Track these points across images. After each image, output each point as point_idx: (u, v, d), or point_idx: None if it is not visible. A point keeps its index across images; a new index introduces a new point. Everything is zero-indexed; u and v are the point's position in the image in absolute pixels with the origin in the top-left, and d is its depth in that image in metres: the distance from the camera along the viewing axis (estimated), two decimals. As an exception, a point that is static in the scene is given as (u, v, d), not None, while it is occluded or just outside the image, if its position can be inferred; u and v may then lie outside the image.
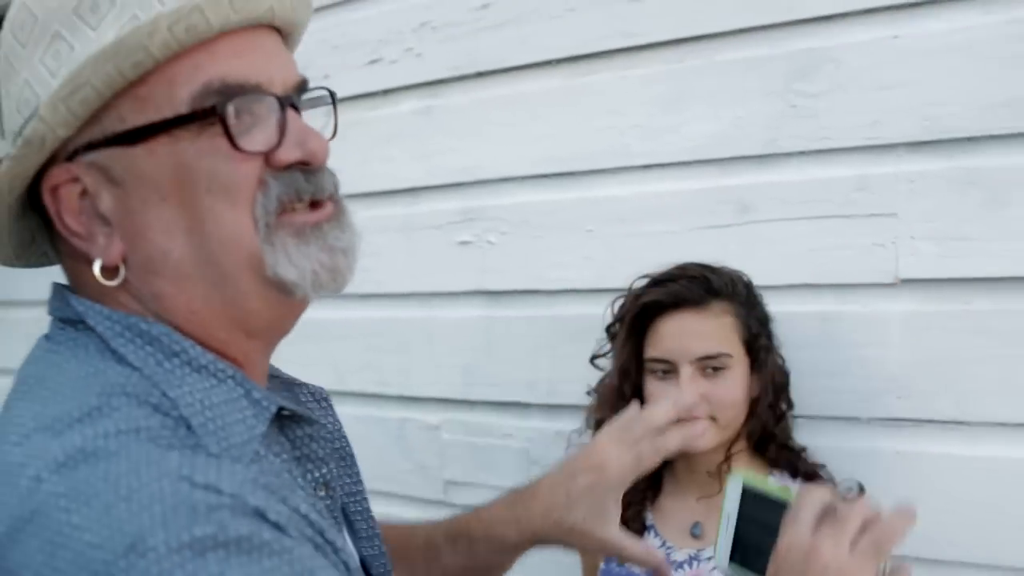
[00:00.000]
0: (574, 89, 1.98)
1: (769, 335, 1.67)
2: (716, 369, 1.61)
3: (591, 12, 1.93)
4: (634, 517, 1.71)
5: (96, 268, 0.86)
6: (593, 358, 1.81)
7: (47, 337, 0.92)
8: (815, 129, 1.73)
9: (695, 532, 1.68)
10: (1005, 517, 1.62)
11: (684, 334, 1.62)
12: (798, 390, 1.72)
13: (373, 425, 2.32)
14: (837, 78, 1.70)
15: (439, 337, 2.21)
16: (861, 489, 1.67)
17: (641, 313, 1.66)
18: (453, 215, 2.15)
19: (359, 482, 1.07)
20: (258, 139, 0.86)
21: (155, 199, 0.85)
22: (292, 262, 0.88)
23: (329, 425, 1.02)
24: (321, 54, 2.31)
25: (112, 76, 0.82)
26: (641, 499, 1.73)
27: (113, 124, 0.84)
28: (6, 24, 0.86)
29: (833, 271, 1.74)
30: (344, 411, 2.33)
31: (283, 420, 0.93)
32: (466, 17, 2.08)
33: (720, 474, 1.66)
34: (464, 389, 2.17)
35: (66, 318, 0.90)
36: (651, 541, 1.70)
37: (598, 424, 1.74)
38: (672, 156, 1.87)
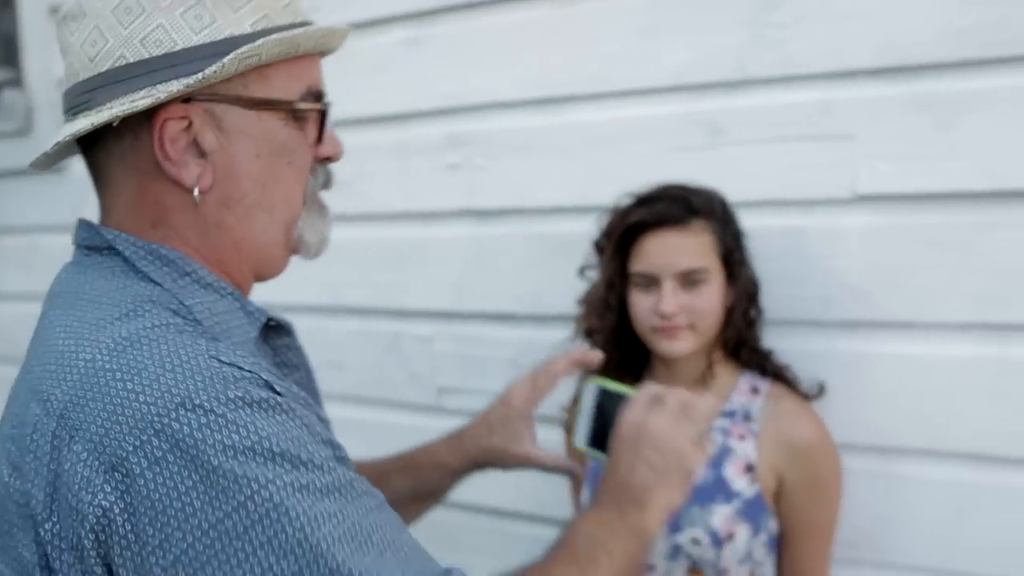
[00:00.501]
0: (557, 19, 2.07)
1: (742, 249, 1.79)
2: (695, 282, 1.73)
3: (570, -54, 2.02)
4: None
5: (195, 190, 1.06)
6: (581, 270, 1.93)
7: (73, 263, 1.12)
8: (781, 57, 1.84)
9: (674, 428, 1.84)
10: (950, 407, 1.78)
11: (666, 250, 1.73)
12: (766, 297, 1.84)
13: (369, 338, 2.46)
14: (802, 9, 1.81)
15: (431, 254, 2.33)
16: (822, 387, 1.84)
17: (627, 231, 1.77)
18: (442, 139, 2.26)
19: (318, 395, 1.36)
20: (317, 136, 1.16)
21: (251, 153, 1.08)
22: (314, 228, 1.18)
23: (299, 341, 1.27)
24: (311, -15, 2.40)
25: (271, 56, 1.06)
26: (625, 402, 1.88)
27: (237, 88, 1.06)
28: None
29: (797, 188, 1.86)
30: (342, 325, 2.51)
31: (268, 331, 1.19)
32: (452, -50, 2.17)
33: (704, 380, 1.81)
34: (455, 303, 2.30)
35: (93, 245, 1.10)
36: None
37: (587, 333, 1.89)
38: (649, 82, 1.98)
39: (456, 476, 1.53)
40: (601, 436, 1.34)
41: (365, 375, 2.45)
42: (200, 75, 1.01)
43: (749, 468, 1.73)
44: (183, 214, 1.08)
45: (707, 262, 1.73)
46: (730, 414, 1.79)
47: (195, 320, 1.04)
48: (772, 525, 1.74)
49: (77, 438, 0.93)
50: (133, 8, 1.03)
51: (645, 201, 1.77)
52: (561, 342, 1.95)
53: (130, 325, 0.99)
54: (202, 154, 1.06)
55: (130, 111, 1.01)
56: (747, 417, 1.77)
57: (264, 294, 2.55)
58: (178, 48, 1.03)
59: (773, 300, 1.87)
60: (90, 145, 1.10)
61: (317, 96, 1.14)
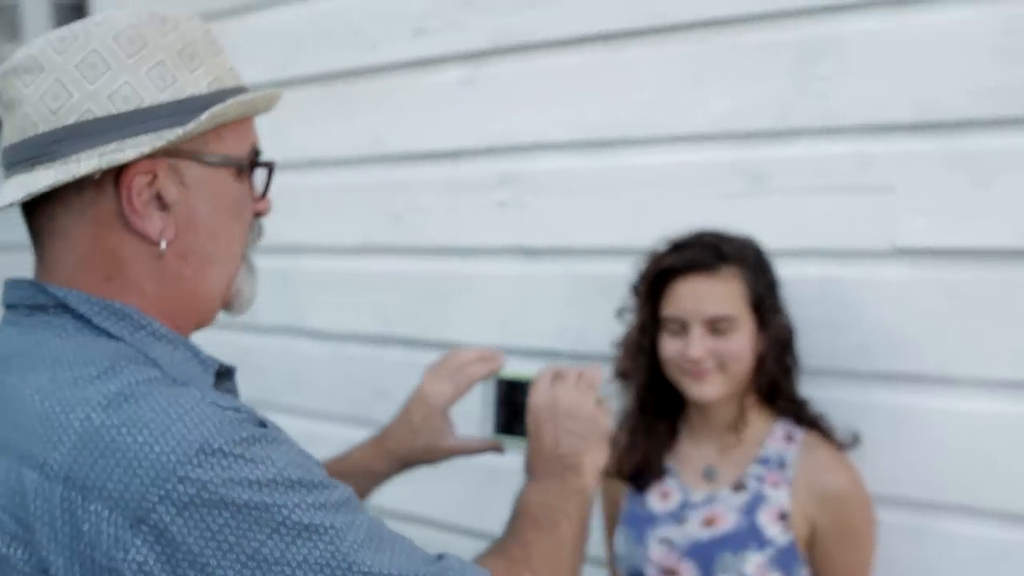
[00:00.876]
0: (605, 64, 2.11)
1: (775, 297, 1.80)
2: (723, 329, 1.75)
3: (619, -8, 2.06)
4: (655, 462, 1.88)
5: (163, 242, 1.09)
6: (619, 312, 1.95)
7: (10, 323, 1.10)
8: (823, 109, 1.86)
9: (709, 475, 1.85)
10: (984, 463, 1.78)
11: (695, 296, 1.76)
12: (804, 346, 1.86)
13: (415, 369, 2.45)
14: (844, 62, 1.83)
15: (477, 289, 2.38)
16: (857, 437, 1.85)
17: (658, 275, 1.81)
18: (492, 177, 2.31)
19: None
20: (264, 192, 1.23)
21: (208, 208, 1.12)
22: (249, 283, 1.23)
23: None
24: (368, 24, 2.46)
25: (233, 117, 1.12)
26: (660, 445, 1.90)
27: (198, 145, 1.10)
28: (106, 31, 1.06)
29: (837, 238, 1.88)
30: (391, 355, 2.55)
31: (217, 377, 1.19)
32: (506, -7, 2.22)
33: (737, 427, 1.84)
34: (500, 337, 2.33)
35: (36, 304, 1.09)
36: (670, 484, 1.87)
37: (622, 375, 1.92)
38: (693, 129, 2.01)
39: (382, 479, 1.60)
40: (510, 422, 1.49)
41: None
42: (181, 130, 1.05)
43: (783, 516, 1.75)
44: (141, 265, 1.10)
45: (735, 310, 1.75)
46: (764, 461, 1.80)
47: (162, 371, 1.05)
48: (804, 574, 1.75)
49: (92, 498, 0.93)
50: (98, 64, 1.05)
51: (678, 247, 1.80)
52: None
53: (115, 381, 0.99)
54: (164, 207, 1.09)
55: (115, 163, 1.03)
56: (781, 465, 1.79)
57: (321, 320, 2.61)
58: (145, 104, 1.06)
59: (810, 349, 1.88)
60: (41, 198, 1.08)
61: (257, 153, 1.18)
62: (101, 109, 1.05)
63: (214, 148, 1.12)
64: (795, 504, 1.75)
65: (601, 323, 2.08)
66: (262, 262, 2.77)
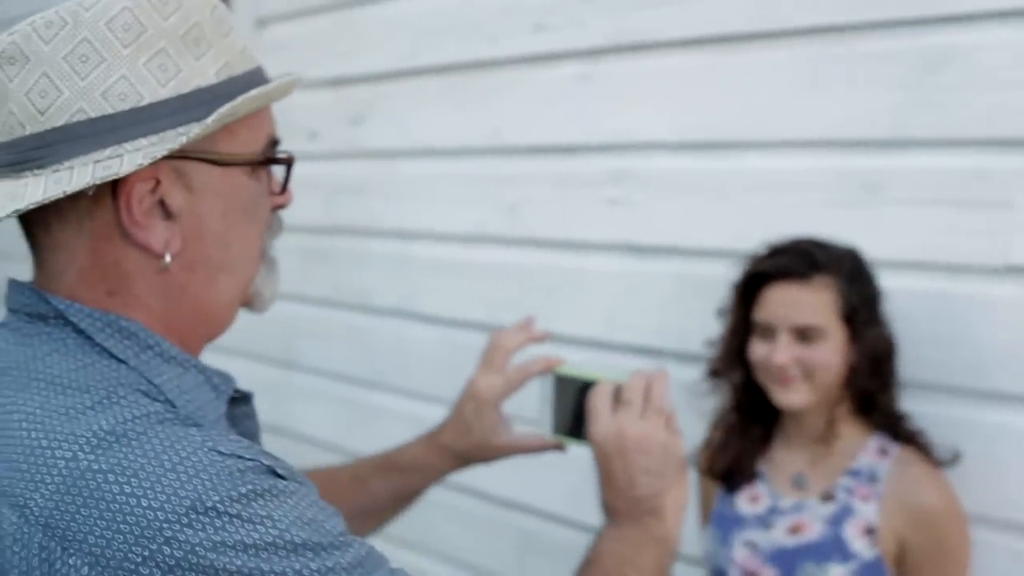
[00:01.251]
0: (721, 66, 2.11)
1: (872, 309, 1.78)
2: (810, 337, 1.74)
3: (741, -3, 2.06)
4: (747, 464, 1.89)
5: (167, 255, 0.97)
6: (719, 313, 1.96)
7: (11, 330, 0.99)
8: (940, 120, 1.83)
9: (799, 482, 1.85)
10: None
11: (784, 303, 1.76)
12: (909, 360, 1.83)
13: (520, 359, 2.53)
14: (965, 73, 1.79)
15: (584, 284, 2.40)
16: (957, 455, 1.82)
17: (752, 279, 1.82)
18: (604, 174, 2.32)
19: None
20: (282, 187, 1.11)
21: (218, 213, 1.01)
22: (269, 283, 1.12)
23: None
24: (489, 18, 2.50)
25: (245, 112, 1.00)
26: (753, 448, 1.91)
27: (205, 144, 0.98)
28: (98, 16, 0.93)
29: (948, 252, 1.84)
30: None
31: (231, 401, 1.09)
32: (627, -8, 2.24)
33: (826, 439, 1.82)
34: (604, 332, 2.36)
35: (36, 313, 0.97)
36: (760, 488, 1.87)
37: (713, 374, 1.93)
38: (807, 135, 2.00)
39: (439, 476, 1.51)
40: (570, 422, 1.37)
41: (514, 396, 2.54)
42: (184, 137, 0.93)
43: (869, 531, 1.73)
44: (145, 280, 0.99)
45: (824, 320, 1.74)
46: (855, 473, 1.79)
47: (170, 403, 0.96)
48: (890, 590, 1.74)
49: (72, 551, 0.83)
50: (90, 56, 0.92)
51: (774, 252, 1.80)
52: (698, 381, 1.99)
53: (108, 416, 0.88)
54: (168, 216, 0.97)
55: (110, 177, 0.91)
56: (872, 479, 1.77)
57: (432, 304, 2.67)
58: (145, 102, 0.93)
59: (916, 363, 1.86)
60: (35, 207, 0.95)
61: (274, 143, 1.07)
62: (94, 109, 0.93)
63: (224, 146, 1.00)
64: (884, 519, 1.73)
65: (704, 323, 2.08)
66: (378, 246, 2.88)
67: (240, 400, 1.10)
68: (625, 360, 2.31)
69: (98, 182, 0.91)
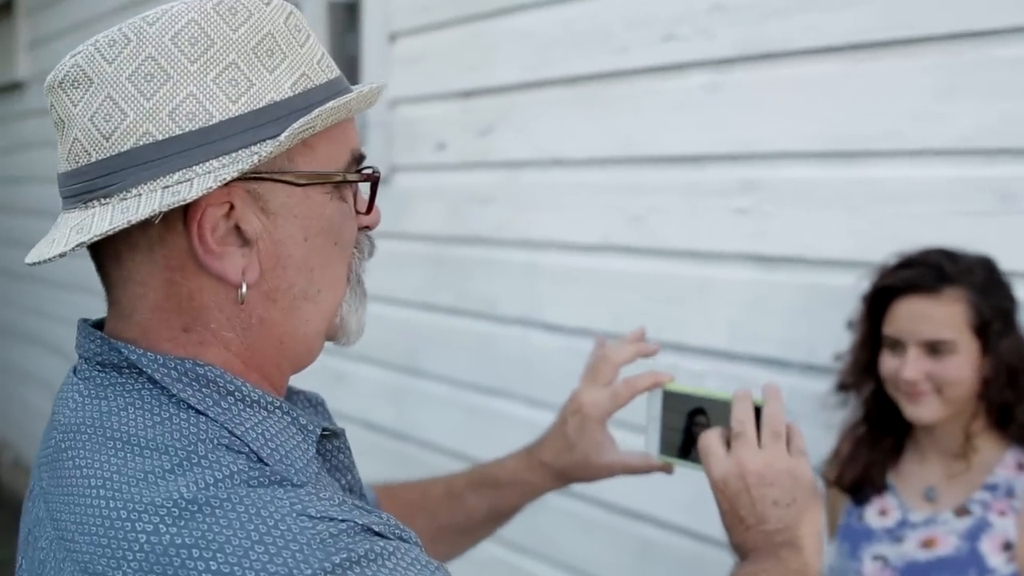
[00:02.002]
0: (852, 74, 2.09)
1: (1007, 319, 1.74)
2: (941, 351, 1.72)
3: (872, 3, 2.03)
4: (876, 476, 1.86)
5: (243, 285, 0.90)
6: (849, 324, 1.94)
7: (84, 380, 0.93)
8: (1082, 128, 1.79)
9: (930, 496, 1.81)
10: None
11: (913, 317, 1.74)
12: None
13: (643, 367, 2.53)
14: (1109, 80, 1.76)
15: (711, 293, 2.39)
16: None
17: (880, 293, 1.80)
18: (733, 183, 2.31)
19: (364, 495, 1.13)
20: (361, 204, 1.01)
21: (299, 237, 0.93)
22: (357, 312, 1.02)
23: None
24: (619, 29, 2.52)
25: (323, 127, 0.92)
26: (883, 460, 1.88)
27: (282, 162, 0.91)
28: (163, 31, 0.88)
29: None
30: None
31: (321, 439, 1.01)
32: (755, 1, 2.23)
33: (965, 454, 1.78)
34: (729, 343, 2.35)
35: (108, 362, 0.92)
36: (889, 501, 1.84)
37: (841, 387, 1.90)
38: (941, 143, 1.96)
39: (538, 493, 1.43)
40: (679, 443, 1.30)
41: (636, 403, 2.55)
42: (257, 156, 0.86)
43: (1007, 546, 1.70)
44: (222, 313, 0.92)
45: (955, 334, 1.71)
46: (992, 488, 1.75)
47: (255, 455, 0.88)
48: (1026, 608, 1.70)
49: None
50: (155, 74, 0.87)
51: (903, 265, 1.78)
52: (827, 393, 1.97)
53: (189, 480, 0.82)
54: (245, 242, 0.90)
55: (179, 203, 0.85)
56: (1010, 493, 1.73)
57: (558, 314, 2.68)
58: (215, 121, 0.87)
59: (1054, 376, 1.80)
60: (104, 237, 0.88)
61: (359, 159, 0.98)
62: (161, 131, 0.86)
63: (303, 163, 0.92)
64: (1022, 535, 1.69)
65: (832, 335, 2.06)
66: (504, 255, 2.92)
67: (331, 435, 1.02)
68: (751, 371, 2.30)
69: (166, 209, 0.84)
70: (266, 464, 0.87)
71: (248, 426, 0.90)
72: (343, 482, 1.04)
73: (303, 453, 0.93)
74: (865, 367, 1.84)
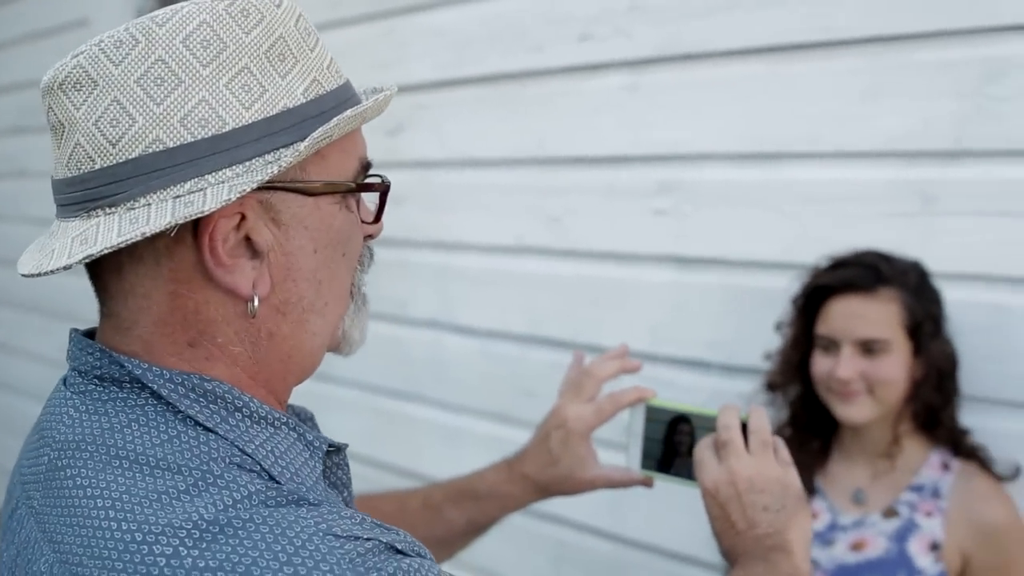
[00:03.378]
0: (773, 76, 2.09)
1: (936, 323, 1.77)
2: (875, 351, 1.73)
3: (793, 5, 2.03)
4: (804, 479, 1.85)
5: (255, 299, 0.87)
6: (778, 326, 1.94)
7: (79, 394, 0.89)
8: (1000, 131, 1.81)
9: (858, 498, 1.82)
10: None
11: (848, 316, 1.75)
12: (971, 374, 1.82)
13: (563, 371, 2.50)
14: (1023, 85, 1.79)
15: (630, 296, 2.37)
16: (1019, 469, 1.79)
17: (814, 292, 1.81)
18: (652, 184, 2.30)
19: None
20: (364, 213, 0.98)
21: (309, 249, 0.90)
22: (359, 324, 1.01)
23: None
24: (535, 27, 2.48)
25: (342, 133, 0.90)
26: (811, 463, 1.88)
27: (294, 172, 0.88)
28: (173, 33, 0.84)
29: (1008, 264, 1.82)
30: (539, 356, 2.57)
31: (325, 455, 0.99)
32: (674, 2, 2.21)
33: (891, 453, 1.80)
34: (650, 345, 2.33)
35: (108, 376, 0.87)
36: (818, 504, 1.85)
37: (769, 387, 1.91)
38: (862, 146, 1.97)
39: (518, 505, 1.43)
40: (660, 456, 1.33)
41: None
42: (274, 167, 0.83)
43: (934, 546, 1.71)
44: (230, 327, 0.88)
45: (889, 333, 1.72)
46: (918, 488, 1.77)
47: (266, 474, 0.85)
48: (953, 606, 1.71)
49: None
50: (165, 78, 0.83)
51: (837, 265, 1.79)
52: (750, 394, 1.97)
53: (206, 500, 0.78)
54: (255, 254, 0.87)
55: (193, 216, 0.81)
56: (936, 494, 1.75)
57: (471, 316, 2.64)
58: (228, 128, 0.83)
59: (975, 377, 1.84)
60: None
61: (367, 167, 0.96)
62: (172, 138, 0.83)
63: (315, 173, 0.89)
64: (949, 535, 1.71)
65: (753, 336, 2.07)
66: (417, 256, 2.86)
67: (333, 452, 0.99)
68: (672, 373, 2.29)
69: (180, 221, 0.81)
70: (279, 483, 0.84)
71: (258, 443, 0.87)
72: (342, 498, 1.00)
73: (311, 471, 0.91)
74: (795, 367, 1.84)
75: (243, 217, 0.86)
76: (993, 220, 1.83)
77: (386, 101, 0.96)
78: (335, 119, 0.87)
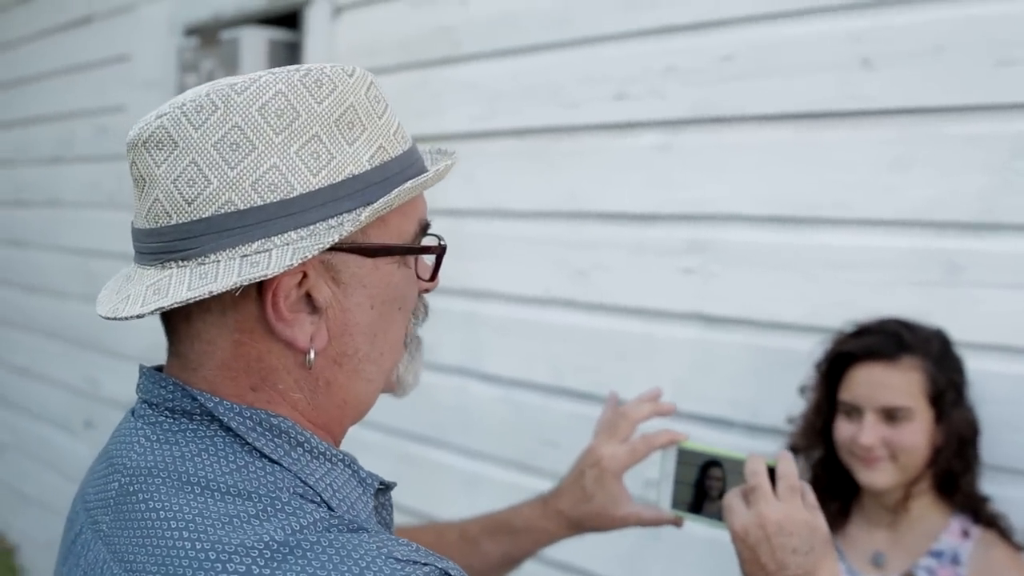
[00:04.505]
0: (804, 143, 2.13)
1: (958, 390, 1.79)
2: (898, 418, 1.75)
3: (826, 74, 2.08)
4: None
5: (312, 352, 0.92)
6: (802, 389, 1.97)
7: (150, 425, 0.94)
8: (1027, 205, 1.85)
9: (878, 561, 1.84)
10: None
11: (871, 384, 1.77)
12: (993, 443, 1.83)
13: (587, 422, 2.48)
14: (1054, 160, 1.82)
15: (655, 351, 2.41)
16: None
17: (837, 359, 1.84)
18: (681, 243, 2.34)
19: None
20: (422, 270, 1.03)
21: (366, 305, 0.95)
22: (413, 368, 1.08)
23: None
24: (571, 84, 2.54)
25: (403, 201, 0.95)
26: (831, 525, 1.89)
27: (356, 235, 0.92)
28: (251, 101, 0.89)
29: (1032, 336, 1.85)
30: (562, 406, 2.60)
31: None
32: (709, 65, 2.26)
33: (898, 511, 1.82)
34: (673, 400, 2.34)
35: (179, 408, 0.93)
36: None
37: (793, 449, 1.93)
38: (890, 214, 2.01)
39: (551, 540, 1.48)
40: (691, 498, 1.37)
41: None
42: (337, 233, 0.88)
43: (951, 612, 1.72)
44: (289, 375, 0.94)
45: (912, 401, 1.75)
46: (937, 555, 1.78)
47: (326, 505, 0.91)
48: (970, 674, 1.72)
49: None
50: (240, 144, 0.88)
51: (860, 332, 1.82)
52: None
53: (276, 525, 0.83)
54: (315, 310, 0.92)
55: (258, 277, 0.86)
56: (955, 560, 1.76)
57: (497, 364, 2.67)
58: (296, 194, 0.88)
59: (997, 446, 1.85)
60: None
61: (425, 228, 1.01)
62: (243, 200, 0.88)
63: (375, 235, 0.94)
64: (967, 602, 1.73)
65: (776, 397, 2.09)
66: (444, 303, 2.90)
67: (382, 490, 1.03)
68: (695, 430, 2.30)
69: (246, 283, 0.86)
70: (336, 514, 0.88)
71: (318, 476, 0.92)
72: None
73: (364, 505, 0.96)
74: (818, 432, 1.87)
75: (305, 275, 0.91)
76: (1018, 292, 1.86)
77: (446, 170, 1.01)
78: (396, 191, 0.92)
